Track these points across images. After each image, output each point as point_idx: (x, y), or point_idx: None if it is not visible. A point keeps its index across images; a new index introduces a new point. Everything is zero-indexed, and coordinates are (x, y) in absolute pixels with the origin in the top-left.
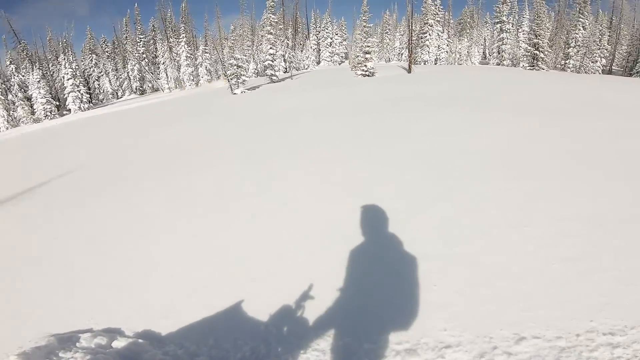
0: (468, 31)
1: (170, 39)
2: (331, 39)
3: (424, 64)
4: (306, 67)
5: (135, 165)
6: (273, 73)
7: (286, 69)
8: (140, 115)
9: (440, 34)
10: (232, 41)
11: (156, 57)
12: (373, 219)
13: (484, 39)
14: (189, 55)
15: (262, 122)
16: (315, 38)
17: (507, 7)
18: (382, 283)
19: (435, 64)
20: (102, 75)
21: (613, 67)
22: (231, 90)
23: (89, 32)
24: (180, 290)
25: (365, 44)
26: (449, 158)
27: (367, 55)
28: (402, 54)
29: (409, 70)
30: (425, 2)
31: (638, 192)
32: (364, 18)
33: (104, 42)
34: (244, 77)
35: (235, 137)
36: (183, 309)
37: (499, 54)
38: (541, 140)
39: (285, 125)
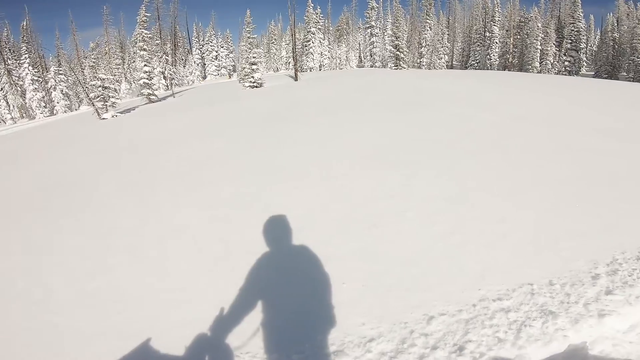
0: (345, 37)
1: (9, 61)
2: (216, 52)
3: (310, 71)
4: (191, 82)
5: None
6: (151, 92)
7: (167, 86)
8: None
9: (322, 41)
10: (94, 60)
11: None
12: (273, 230)
13: (359, 44)
14: (35, 78)
15: (136, 148)
16: (199, 52)
17: (374, 12)
18: (294, 292)
19: (320, 70)
20: None
21: (454, 62)
22: (98, 114)
23: None
24: (69, 341)
25: (251, 55)
26: (334, 158)
27: (254, 67)
28: (289, 63)
29: (296, 79)
30: (307, 11)
31: (487, 166)
32: (247, 29)
33: None
34: (113, 100)
35: (104, 168)
36: None
37: (371, 56)
38: (405, 131)
39: (165, 149)
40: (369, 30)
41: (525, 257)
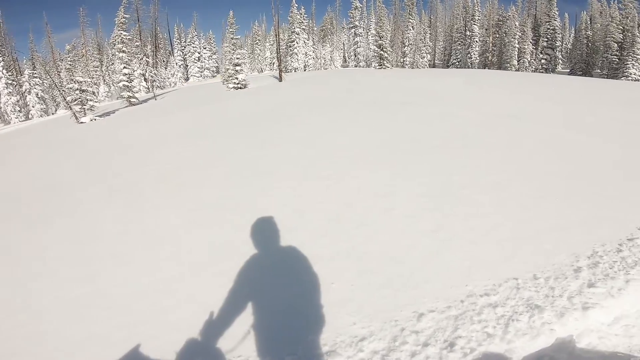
0: (329, 37)
1: None
2: (199, 53)
3: (295, 71)
4: (173, 84)
5: None
6: (131, 95)
7: (148, 88)
8: None
9: (306, 41)
10: (70, 62)
11: None
12: (261, 231)
13: (343, 44)
14: (9, 82)
15: (117, 152)
16: (181, 53)
17: (358, 12)
18: (284, 293)
19: (305, 70)
20: None
21: (436, 61)
22: (76, 118)
23: None
24: (56, 348)
25: (235, 56)
26: (320, 158)
27: (238, 68)
28: (273, 64)
29: (280, 79)
30: (292, 12)
31: (470, 163)
32: (231, 30)
33: None
34: (91, 103)
35: (84, 173)
36: None
37: (355, 56)
38: (390, 130)
39: (148, 152)
40: (353, 30)
41: (509, 252)
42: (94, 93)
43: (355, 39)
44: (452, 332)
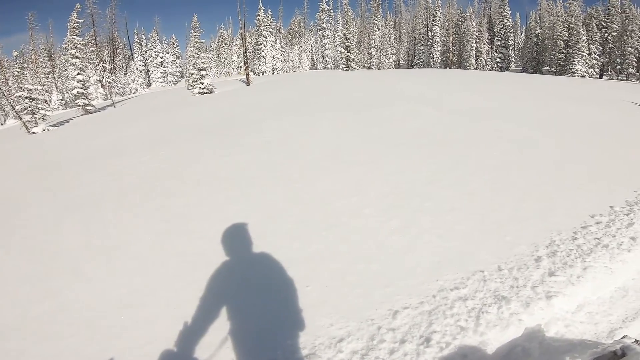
0: (297, 39)
1: None
2: (161, 58)
3: (263, 74)
4: (133, 91)
5: None
6: (87, 102)
7: (106, 95)
8: None
9: (273, 44)
10: (18, 69)
11: None
12: (232, 239)
13: (311, 46)
14: None
15: (73, 163)
16: (142, 58)
17: (325, 14)
18: (259, 299)
19: (273, 73)
20: None
21: (401, 62)
22: (27, 129)
23: None
24: None
25: (200, 60)
26: (289, 161)
27: (203, 72)
28: (241, 67)
29: (248, 83)
30: (258, 15)
31: (434, 159)
32: (194, 34)
33: None
34: (43, 112)
35: (38, 188)
36: None
37: (323, 58)
38: (357, 130)
39: (106, 162)
40: (320, 33)
41: (474, 244)
42: (45, 101)
43: (323, 41)
44: (427, 328)
